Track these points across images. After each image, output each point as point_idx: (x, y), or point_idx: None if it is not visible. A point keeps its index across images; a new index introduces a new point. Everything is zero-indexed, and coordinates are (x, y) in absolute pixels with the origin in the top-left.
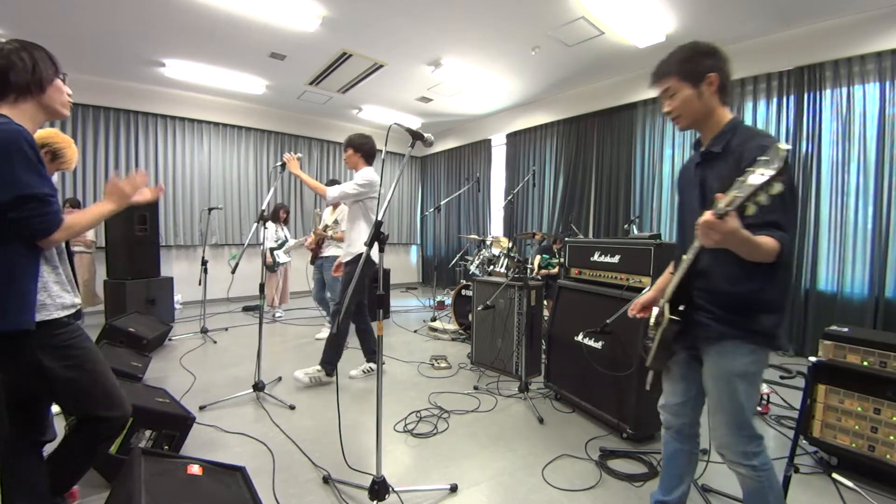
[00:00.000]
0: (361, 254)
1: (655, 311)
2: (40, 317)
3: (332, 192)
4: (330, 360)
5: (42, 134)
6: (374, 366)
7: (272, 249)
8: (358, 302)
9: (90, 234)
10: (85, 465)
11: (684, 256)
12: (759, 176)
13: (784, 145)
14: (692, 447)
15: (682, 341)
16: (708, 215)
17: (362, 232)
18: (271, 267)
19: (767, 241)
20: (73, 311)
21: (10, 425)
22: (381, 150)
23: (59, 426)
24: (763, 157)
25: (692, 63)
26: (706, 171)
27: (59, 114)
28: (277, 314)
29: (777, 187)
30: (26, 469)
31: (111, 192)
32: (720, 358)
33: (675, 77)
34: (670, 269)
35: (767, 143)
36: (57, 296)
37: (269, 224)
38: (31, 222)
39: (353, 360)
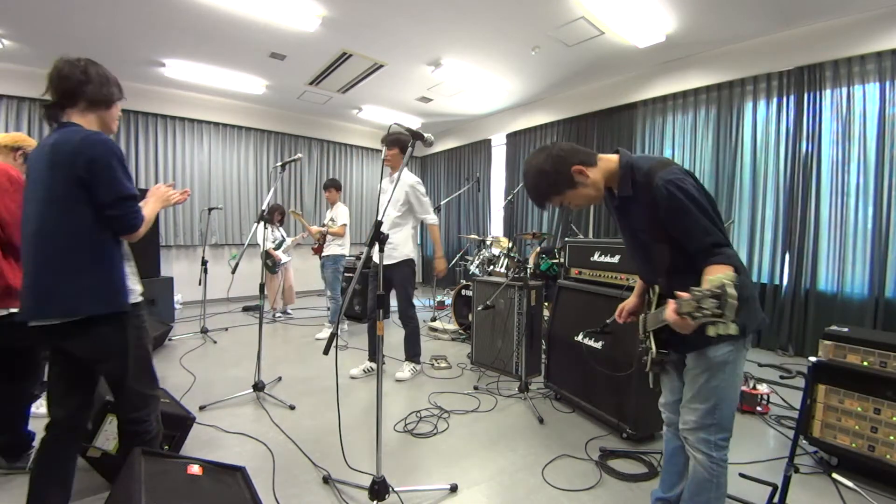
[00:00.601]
0: (411, 257)
1: (642, 316)
2: (133, 299)
3: (433, 218)
4: (416, 353)
5: (13, 137)
6: (373, 367)
7: (271, 250)
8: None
9: None
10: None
11: (652, 294)
12: (712, 302)
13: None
14: None
15: (671, 353)
16: (674, 317)
17: (411, 236)
18: (272, 268)
19: (720, 268)
20: (141, 298)
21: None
22: (381, 150)
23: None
24: (715, 290)
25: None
26: (627, 216)
27: (111, 129)
28: (277, 315)
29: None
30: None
31: (154, 195)
32: (699, 355)
33: (559, 195)
34: (640, 282)
35: (664, 175)
36: (134, 284)
37: (261, 225)
38: (127, 219)
39: (355, 358)
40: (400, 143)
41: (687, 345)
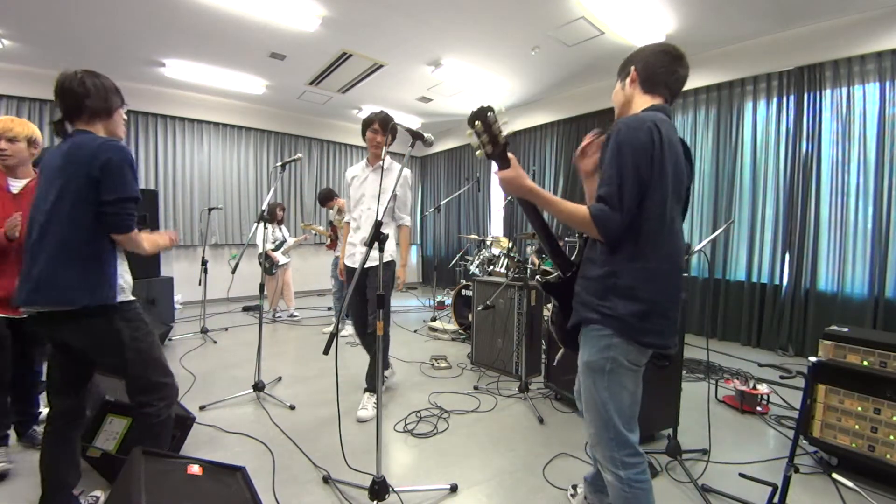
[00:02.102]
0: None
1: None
2: (122, 297)
3: (409, 219)
4: (386, 364)
5: (29, 128)
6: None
7: (270, 251)
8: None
9: None
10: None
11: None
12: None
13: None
14: None
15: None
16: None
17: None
18: (269, 269)
19: (574, 206)
20: (131, 297)
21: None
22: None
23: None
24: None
25: (623, 62)
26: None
27: (118, 136)
28: (277, 315)
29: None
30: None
31: (165, 235)
32: (582, 348)
33: (617, 77)
34: None
35: (625, 119)
36: (128, 281)
37: (261, 225)
38: (121, 218)
39: (358, 359)
40: (393, 130)
41: (576, 320)
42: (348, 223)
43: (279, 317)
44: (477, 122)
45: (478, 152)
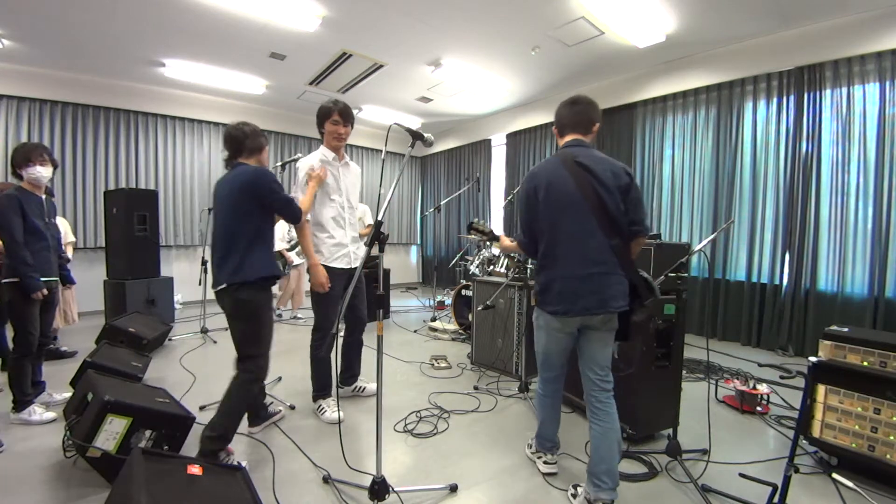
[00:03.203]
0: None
1: None
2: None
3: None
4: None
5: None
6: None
7: (284, 251)
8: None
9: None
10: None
11: None
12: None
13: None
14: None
15: None
16: None
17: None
18: (282, 269)
19: (511, 241)
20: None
21: None
22: (381, 150)
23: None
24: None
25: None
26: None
27: (266, 164)
28: (279, 313)
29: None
30: None
31: (313, 178)
32: None
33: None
34: None
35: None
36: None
37: (279, 223)
38: (293, 212)
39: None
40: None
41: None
42: (308, 221)
43: (280, 316)
44: (472, 230)
45: (479, 241)
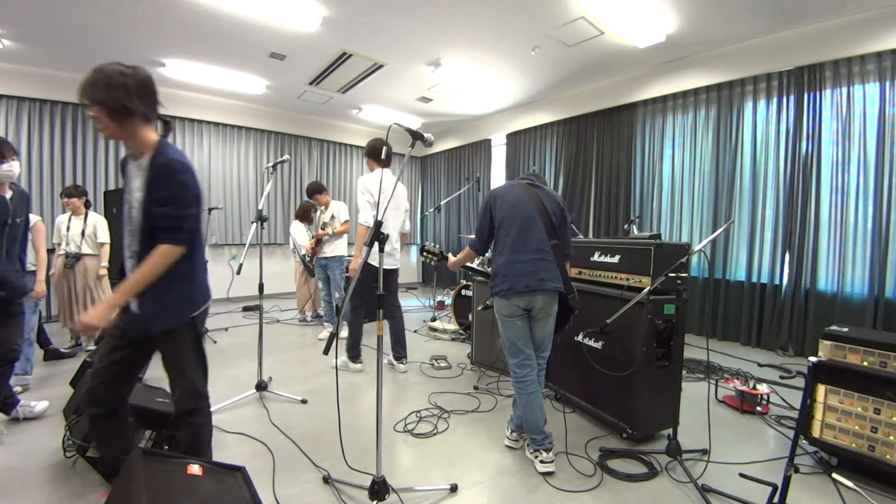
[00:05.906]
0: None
1: None
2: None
3: (360, 220)
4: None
5: None
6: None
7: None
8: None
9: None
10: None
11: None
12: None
13: None
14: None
15: None
16: None
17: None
18: (312, 271)
19: (464, 252)
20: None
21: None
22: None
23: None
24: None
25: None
26: None
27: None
28: (307, 317)
29: None
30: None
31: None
32: None
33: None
34: None
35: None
36: None
37: (298, 224)
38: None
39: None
40: (365, 153)
41: None
42: (348, 221)
43: (309, 319)
44: (424, 252)
45: (432, 262)
